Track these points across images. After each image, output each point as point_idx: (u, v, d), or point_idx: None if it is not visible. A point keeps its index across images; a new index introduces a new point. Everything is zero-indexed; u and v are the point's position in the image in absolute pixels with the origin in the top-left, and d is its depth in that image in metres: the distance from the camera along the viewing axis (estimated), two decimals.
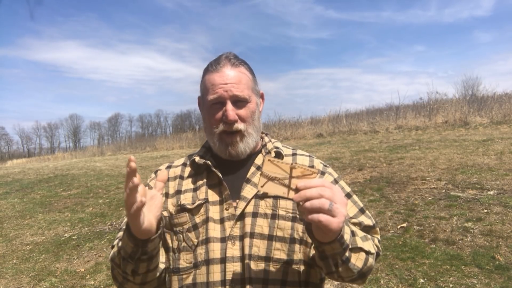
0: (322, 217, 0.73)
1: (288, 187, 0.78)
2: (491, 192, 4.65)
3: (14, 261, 4.55)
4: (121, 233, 0.94)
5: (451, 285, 2.93)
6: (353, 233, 0.88)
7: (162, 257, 1.01)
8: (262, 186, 0.78)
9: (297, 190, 0.76)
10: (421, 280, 3.04)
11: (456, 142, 8.13)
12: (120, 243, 0.89)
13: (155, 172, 1.14)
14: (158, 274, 0.97)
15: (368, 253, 0.91)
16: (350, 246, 0.84)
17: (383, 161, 7.13)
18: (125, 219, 1.08)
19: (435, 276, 3.07)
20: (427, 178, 5.55)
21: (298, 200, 0.75)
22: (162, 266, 1.00)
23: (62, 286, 3.76)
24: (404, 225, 4.14)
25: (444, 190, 4.97)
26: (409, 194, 5.03)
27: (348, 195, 1.07)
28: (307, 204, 0.74)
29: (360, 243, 0.89)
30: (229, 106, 0.99)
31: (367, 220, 1.03)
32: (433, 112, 12.67)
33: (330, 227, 0.74)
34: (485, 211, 4.15)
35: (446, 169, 5.89)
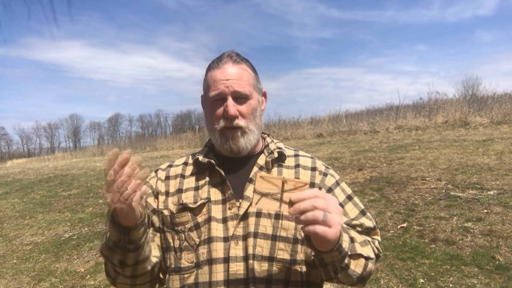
0: (318, 228, 0.74)
1: (281, 201, 0.79)
2: (491, 192, 4.65)
3: (14, 261, 4.54)
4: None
5: (451, 285, 2.93)
6: (352, 240, 0.89)
7: (154, 251, 1.01)
8: (256, 203, 0.79)
9: (291, 203, 0.77)
10: (421, 280, 3.04)
11: (456, 142, 8.13)
12: (107, 234, 0.90)
13: (156, 171, 1.14)
14: (149, 267, 0.97)
15: (367, 258, 0.91)
16: (349, 253, 0.85)
17: (383, 161, 7.13)
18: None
19: (435, 276, 3.07)
20: (427, 178, 5.55)
21: (293, 213, 0.76)
22: (154, 259, 0.99)
23: (62, 286, 3.76)
24: (404, 225, 4.14)
25: (444, 190, 4.97)
26: (409, 194, 5.03)
27: (349, 197, 1.07)
28: (302, 217, 0.75)
29: (359, 249, 0.90)
30: (230, 101, 0.99)
31: (368, 222, 1.04)
32: (433, 112, 12.67)
33: (327, 238, 0.75)
34: (485, 211, 4.15)
35: (446, 169, 5.89)
